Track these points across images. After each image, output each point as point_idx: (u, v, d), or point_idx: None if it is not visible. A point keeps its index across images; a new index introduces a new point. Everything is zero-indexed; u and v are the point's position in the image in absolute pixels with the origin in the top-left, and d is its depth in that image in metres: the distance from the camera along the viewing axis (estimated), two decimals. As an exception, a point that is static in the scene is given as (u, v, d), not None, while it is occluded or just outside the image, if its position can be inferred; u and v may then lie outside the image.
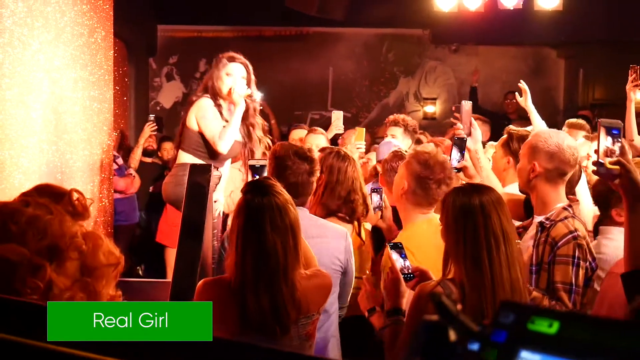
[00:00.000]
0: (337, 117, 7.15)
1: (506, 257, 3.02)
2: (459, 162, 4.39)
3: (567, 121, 6.54)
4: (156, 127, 8.77)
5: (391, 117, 6.95)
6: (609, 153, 2.98)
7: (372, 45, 14.40)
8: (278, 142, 6.33)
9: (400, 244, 3.48)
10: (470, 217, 3.07)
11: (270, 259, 3.11)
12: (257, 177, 3.85)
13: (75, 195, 1.90)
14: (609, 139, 2.99)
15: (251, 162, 3.97)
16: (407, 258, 3.45)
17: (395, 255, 3.48)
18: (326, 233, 3.98)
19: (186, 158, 5.30)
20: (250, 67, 5.68)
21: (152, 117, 9.07)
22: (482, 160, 4.51)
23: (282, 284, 3.09)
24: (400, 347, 3.11)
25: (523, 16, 11.00)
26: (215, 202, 5.35)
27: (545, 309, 0.97)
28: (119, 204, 8.25)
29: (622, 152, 2.97)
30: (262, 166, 3.91)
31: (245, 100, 5.43)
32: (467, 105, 4.60)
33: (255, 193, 3.21)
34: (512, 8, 10.30)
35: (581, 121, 6.72)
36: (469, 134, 4.49)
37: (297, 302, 3.12)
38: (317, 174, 4.15)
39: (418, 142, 6.88)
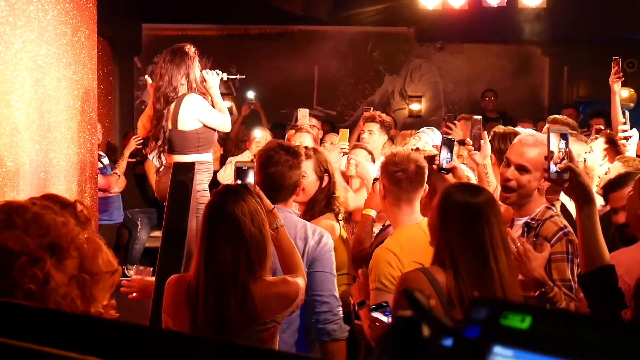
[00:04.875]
0: (303, 114, 7.11)
1: (507, 263, 3.11)
2: (448, 162, 4.39)
3: (548, 118, 6.56)
4: (141, 140, 8.75)
5: (367, 114, 7.03)
6: (559, 159, 3.05)
7: (357, 43, 14.40)
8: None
9: (386, 302, 3.43)
10: (477, 220, 3.12)
11: (220, 269, 3.11)
12: (241, 181, 3.79)
13: (79, 207, 1.92)
14: (559, 144, 3.06)
15: (238, 164, 3.92)
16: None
17: (380, 316, 3.43)
18: (295, 234, 3.88)
19: (180, 158, 5.43)
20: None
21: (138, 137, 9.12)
22: (490, 176, 4.53)
23: (231, 295, 3.09)
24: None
25: (507, 14, 11.05)
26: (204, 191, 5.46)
27: (517, 303, 0.97)
28: (103, 203, 8.24)
29: (571, 157, 3.05)
30: (248, 169, 3.86)
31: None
32: (477, 120, 4.65)
33: (221, 199, 3.21)
34: (496, 6, 10.33)
35: (563, 117, 6.74)
36: (479, 149, 4.52)
37: (248, 311, 3.10)
38: (300, 170, 4.13)
39: (392, 139, 6.97)
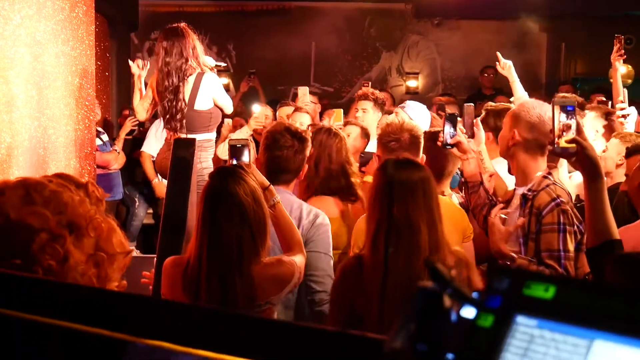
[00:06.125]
0: (303, 92, 7.07)
1: (408, 247, 3.03)
2: (452, 137, 4.38)
3: (559, 94, 6.50)
4: (137, 122, 8.73)
5: (360, 92, 7.00)
6: (565, 131, 2.99)
7: (354, 19, 14.36)
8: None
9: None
10: (383, 195, 3.10)
11: (225, 250, 3.10)
12: (235, 159, 3.74)
13: (91, 188, 1.93)
14: (564, 116, 3.00)
15: (232, 142, 3.86)
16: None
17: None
18: (291, 212, 3.82)
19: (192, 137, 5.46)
20: None
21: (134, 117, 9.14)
22: (486, 162, 4.53)
23: (236, 276, 3.08)
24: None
25: (505, -10, 11.00)
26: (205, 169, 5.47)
27: (541, 273, 0.97)
28: (103, 179, 8.23)
29: (578, 129, 2.97)
30: (243, 146, 3.80)
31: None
32: (469, 108, 4.63)
33: (219, 181, 3.19)
34: (494, -18, 10.31)
35: (568, 95, 6.72)
36: (472, 136, 4.52)
37: (250, 292, 3.10)
38: (306, 153, 4.10)
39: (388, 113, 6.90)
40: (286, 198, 3.92)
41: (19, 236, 1.71)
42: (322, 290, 3.85)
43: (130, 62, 6.21)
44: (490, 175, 4.43)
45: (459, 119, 4.36)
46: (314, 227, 3.90)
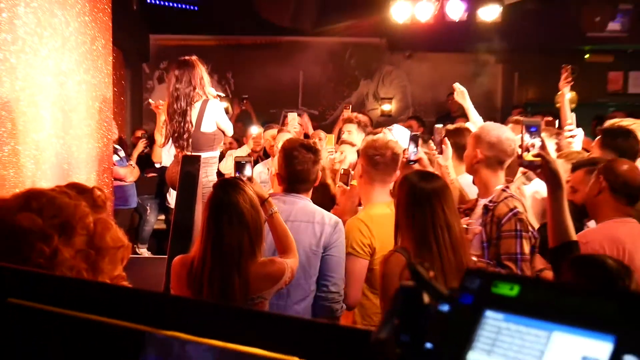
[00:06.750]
0: (292, 117, 6.95)
1: (450, 243, 3.08)
2: (415, 154, 4.42)
3: (512, 118, 6.52)
4: (147, 142, 8.85)
5: (345, 115, 7.02)
6: (530, 147, 3.04)
7: (336, 52, 14.37)
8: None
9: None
10: (420, 203, 3.12)
11: (226, 252, 3.09)
12: (239, 174, 3.75)
13: (97, 192, 1.94)
14: (529, 135, 3.05)
15: (237, 159, 3.88)
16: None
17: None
18: (314, 219, 3.86)
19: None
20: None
21: (145, 135, 9.32)
22: (452, 175, 4.59)
23: (235, 274, 3.08)
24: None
25: (467, 27, 11.05)
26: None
27: (507, 274, 0.97)
28: (120, 190, 8.23)
29: (542, 145, 3.03)
30: (246, 162, 3.82)
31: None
32: (438, 129, 4.72)
33: (222, 191, 3.18)
34: (457, 20, 10.37)
35: (521, 117, 6.74)
36: (441, 152, 4.56)
37: (246, 288, 3.10)
38: (320, 165, 4.07)
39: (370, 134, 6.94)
40: (307, 204, 3.94)
41: (12, 238, 1.72)
42: (336, 292, 3.84)
43: (151, 101, 6.24)
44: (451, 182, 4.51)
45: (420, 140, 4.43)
46: (336, 232, 3.87)
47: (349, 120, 6.82)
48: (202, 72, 5.73)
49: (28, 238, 1.72)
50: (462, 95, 6.03)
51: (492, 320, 0.97)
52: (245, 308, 1.66)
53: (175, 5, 13.16)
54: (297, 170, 3.94)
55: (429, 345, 0.99)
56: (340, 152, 6.13)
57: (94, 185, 1.98)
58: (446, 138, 4.78)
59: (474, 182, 4.06)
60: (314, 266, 3.80)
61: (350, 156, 6.01)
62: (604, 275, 2.67)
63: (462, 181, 4.66)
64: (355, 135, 6.68)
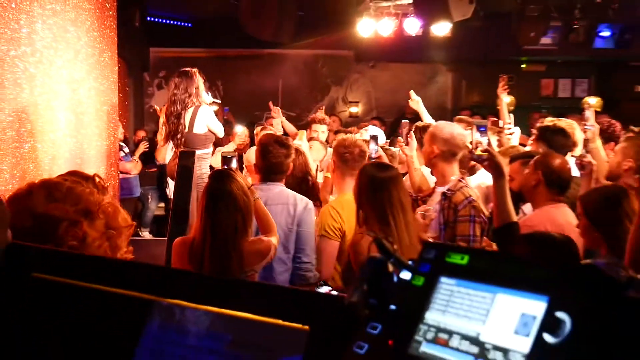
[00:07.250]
0: (277, 122, 6.94)
1: (404, 221, 3.14)
2: (376, 152, 4.45)
3: (455, 117, 6.58)
4: (148, 145, 8.81)
5: (316, 117, 6.95)
6: (479, 144, 3.14)
7: (311, 62, 14.35)
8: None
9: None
10: (378, 189, 3.17)
11: (222, 233, 3.09)
12: (226, 166, 3.73)
13: (97, 179, 1.93)
14: (479, 134, 3.17)
15: (224, 153, 3.86)
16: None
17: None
18: (287, 201, 3.90)
19: None
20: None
21: (145, 138, 9.43)
22: (416, 163, 4.62)
23: (232, 251, 3.08)
24: None
25: (422, 41, 11.04)
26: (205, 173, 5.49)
27: (459, 246, 0.99)
28: (125, 182, 8.19)
29: (489, 142, 3.20)
30: (232, 157, 3.80)
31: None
32: (405, 123, 4.77)
33: (217, 181, 3.17)
34: (414, 34, 10.36)
35: (465, 117, 6.79)
36: (407, 144, 4.59)
37: (240, 263, 3.10)
38: (292, 157, 4.09)
39: (336, 133, 6.95)
40: (282, 189, 3.96)
41: (47, 226, 1.70)
42: (309, 262, 3.86)
43: (156, 107, 6.24)
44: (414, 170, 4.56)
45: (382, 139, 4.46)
46: (306, 210, 3.91)
47: (319, 121, 6.81)
48: (198, 82, 5.73)
49: (62, 224, 1.70)
50: (416, 103, 6.09)
51: (446, 285, 0.98)
52: (237, 279, 1.66)
53: (172, 22, 13.14)
54: (271, 163, 3.96)
55: (393, 307, 1.01)
56: (310, 146, 6.14)
57: (94, 173, 1.97)
58: (412, 132, 4.80)
59: (432, 173, 4.09)
60: (291, 242, 3.83)
61: (319, 152, 6.06)
62: (554, 246, 2.73)
63: (423, 170, 4.68)
64: (324, 135, 6.71)
